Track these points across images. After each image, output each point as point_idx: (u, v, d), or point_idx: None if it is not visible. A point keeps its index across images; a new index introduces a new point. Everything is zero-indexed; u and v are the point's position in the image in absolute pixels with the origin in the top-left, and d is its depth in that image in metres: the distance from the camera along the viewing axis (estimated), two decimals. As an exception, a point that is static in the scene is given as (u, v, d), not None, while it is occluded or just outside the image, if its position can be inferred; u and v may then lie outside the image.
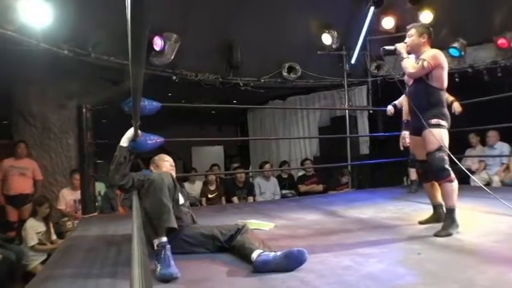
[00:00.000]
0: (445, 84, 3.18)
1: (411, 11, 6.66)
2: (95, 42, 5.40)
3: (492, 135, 6.26)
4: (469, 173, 3.95)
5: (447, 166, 3.03)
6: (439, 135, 3.07)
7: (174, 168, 3.21)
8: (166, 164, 3.14)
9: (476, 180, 4.03)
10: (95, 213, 4.62)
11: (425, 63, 3.06)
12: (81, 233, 3.61)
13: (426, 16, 6.50)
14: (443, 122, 3.12)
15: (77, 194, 5.14)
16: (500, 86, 6.62)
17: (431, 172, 3.18)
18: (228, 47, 6.74)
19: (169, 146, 7.26)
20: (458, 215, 2.99)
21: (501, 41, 6.42)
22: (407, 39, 3.28)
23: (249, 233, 2.61)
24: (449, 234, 2.86)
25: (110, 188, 5.78)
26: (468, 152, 6.51)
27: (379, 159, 7.14)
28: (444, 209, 3.14)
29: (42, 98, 5.98)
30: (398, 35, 6.27)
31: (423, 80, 3.13)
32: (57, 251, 3.27)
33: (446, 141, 3.10)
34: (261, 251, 2.31)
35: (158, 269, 2.17)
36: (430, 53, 3.13)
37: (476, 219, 3.45)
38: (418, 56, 3.18)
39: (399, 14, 6.88)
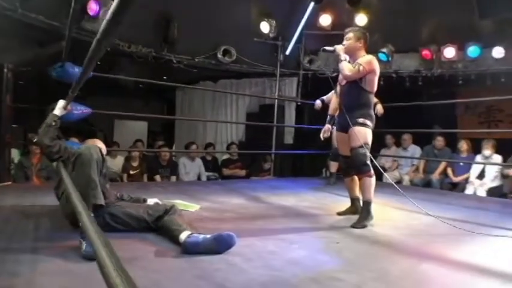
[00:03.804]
0: (375, 88, 3.41)
1: (348, 12, 6.89)
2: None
3: (406, 138, 6.78)
4: (382, 170, 4.25)
5: (368, 162, 3.27)
6: (364, 133, 3.31)
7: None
8: None
9: (389, 178, 4.34)
10: (9, 182, 4.33)
11: (361, 68, 3.26)
12: (-5, 202, 3.40)
13: (361, 19, 6.76)
14: (369, 122, 3.36)
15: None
16: (419, 94, 7.16)
17: (353, 166, 3.40)
18: (165, 21, 6.54)
19: (91, 117, 6.90)
20: (373, 209, 3.23)
21: (425, 52, 6.84)
22: (344, 42, 3.44)
23: (177, 214, 2.61)
24: (365, 226, 3.10)
25: (25, 156, 5.43)
26: (383, 151, 6.97)
27: (301, 150, 7.41)
28: (361, 202, 3.38)
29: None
30: (333, 32, 6.48)
31: (356, 82, 3.33)
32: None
33: (369, 140, 3.35)
34: (189, 232, 2.33)
35: (83, 247, 2.09)
36: (366, 59, 3.33)
37: (389, 214, 3.74)
38: (354, 59, 3.36)
39: (337, 13, 7.08)
